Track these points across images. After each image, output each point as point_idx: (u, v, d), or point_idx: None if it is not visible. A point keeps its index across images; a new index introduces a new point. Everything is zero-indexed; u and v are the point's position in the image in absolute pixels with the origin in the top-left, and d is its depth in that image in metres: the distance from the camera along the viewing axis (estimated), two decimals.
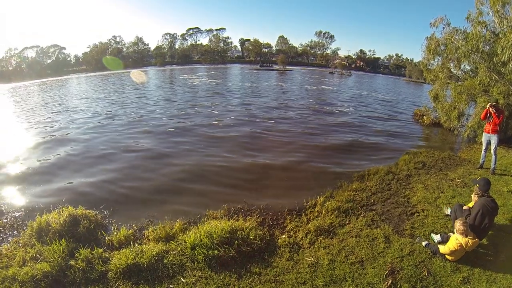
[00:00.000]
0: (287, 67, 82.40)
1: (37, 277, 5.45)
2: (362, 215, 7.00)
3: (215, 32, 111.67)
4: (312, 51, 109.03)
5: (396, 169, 10.06)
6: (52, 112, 25.13)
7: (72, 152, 13.34)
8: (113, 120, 20.20)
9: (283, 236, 6.22)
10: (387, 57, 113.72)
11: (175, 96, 32.13)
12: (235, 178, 9.94)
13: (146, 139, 14.79)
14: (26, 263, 5.97)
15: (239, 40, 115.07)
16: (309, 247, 5.94)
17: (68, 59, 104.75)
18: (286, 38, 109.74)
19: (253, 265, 5.43)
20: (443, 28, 15.85)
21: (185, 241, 5.79)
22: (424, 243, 5.77)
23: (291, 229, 6.55)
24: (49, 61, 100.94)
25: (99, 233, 6.65)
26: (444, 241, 5.46)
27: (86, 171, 11.13)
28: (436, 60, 17.11)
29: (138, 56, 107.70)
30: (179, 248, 5.74)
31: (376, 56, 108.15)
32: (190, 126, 17.20)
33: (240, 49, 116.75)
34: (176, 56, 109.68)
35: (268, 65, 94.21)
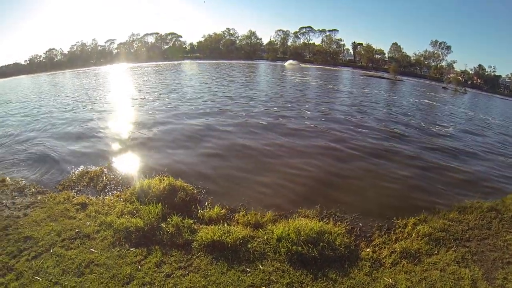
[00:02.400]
0: (398, 77, 79.23)
1: (130, 229, 6.55)
2: (453, 249, 6.78)
3: (327, 33, 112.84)
4: (426, 62, 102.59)
5: (502, 207, 9.14)
6: (159, 91, 30.76)
7: (177, 129, 15.81)
8: (218, 105, 22.47)
9: (368, 250, 6.39)
10: (510, 75, 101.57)
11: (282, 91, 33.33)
12: (332, 183, 10.20)
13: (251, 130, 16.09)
14: (123, 215, 7.16)
15: (352, 43, 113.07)
16: (390, 268, 6.02)
17: (184, 46, 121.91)
18: (399, 46, 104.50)
19: (331, 270, 5.73)
20: None
21: (272, 232, 6.36)
22: None
23: (377, 245, 6.68)
24: (166, 46, 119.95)
25: (193, 206, 7.64)
26: None
27: (191, 148, 12.90)
28: None
29: (251, 49, 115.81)
30: (265, 237, 6.33)
31: (497, 73, 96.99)
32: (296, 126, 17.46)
33: (352, 52, 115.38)
34: (288, 52, 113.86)
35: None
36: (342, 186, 10.06)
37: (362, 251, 6.38)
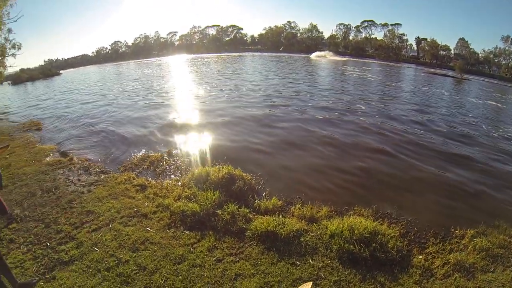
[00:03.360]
0: (464, 76, 73.94)
1: (186, 213, 7.10)
2: (510, 269, 6.58)
3: (390, 27, 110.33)
4: (495, 60, 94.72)
5: None
6: (219, 81, 33.48)
7: (233, 121, 16.68)
8: (275, 100, 23.04)
9: (420, 257, 6.40)
10: None
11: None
12: (390, 186, 10.06)
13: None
14: (180, 199, 7.76)
15: (415, 38, 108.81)
16: (442, 279, 5.98)
17: (245, 38, 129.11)
18: (466, 41, 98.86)
19: (380, 273, 5.83)
20: None
21: (326, 227, 6.60)
22: None
23: (430, 253, 6.63)
24: (226, 38, 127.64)
25: (250, 195, 8.07)
26: None
27: (247, 142, 13.43)
28: None
29: (312, 42, 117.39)
30: (318, 232, 6.59)
31: None
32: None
33: (415, 48, 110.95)
34: (349, 47, 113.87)
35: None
36: (401, 190, 9.83)
37: (414, 257, 6.38)
